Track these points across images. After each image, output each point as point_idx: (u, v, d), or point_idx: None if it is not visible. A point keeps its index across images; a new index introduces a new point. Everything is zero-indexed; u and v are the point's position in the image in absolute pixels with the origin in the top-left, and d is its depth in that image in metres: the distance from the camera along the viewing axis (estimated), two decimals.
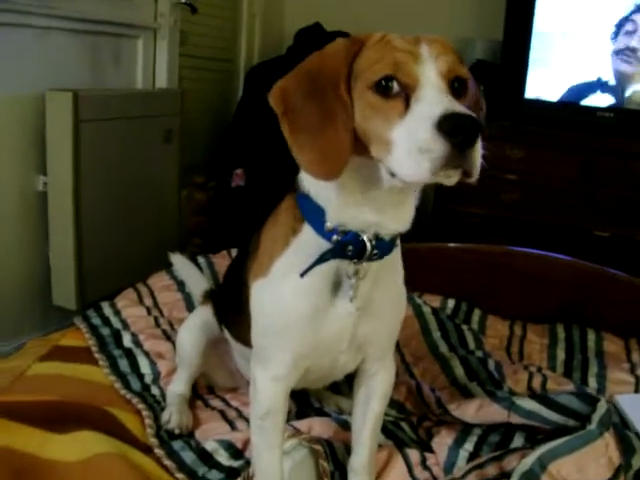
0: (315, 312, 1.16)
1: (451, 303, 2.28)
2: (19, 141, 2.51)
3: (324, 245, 1.11)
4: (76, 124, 2.50)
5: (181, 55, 3.38)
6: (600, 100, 3.34)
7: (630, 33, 3.21)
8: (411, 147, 0.91)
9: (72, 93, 2.48)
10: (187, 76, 3.50)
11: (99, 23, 2.78)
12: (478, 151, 0.91)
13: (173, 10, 3.21)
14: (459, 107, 0.91)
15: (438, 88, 0.95)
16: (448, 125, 0.88)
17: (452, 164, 0.90)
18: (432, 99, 0.93)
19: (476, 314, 2.27)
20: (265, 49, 4.17)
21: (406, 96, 0.95)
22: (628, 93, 3.29)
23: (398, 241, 1.20)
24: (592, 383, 1.91)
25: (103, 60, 2.88)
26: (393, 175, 0.97)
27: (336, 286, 1.16)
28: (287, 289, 1.16)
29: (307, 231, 1.13)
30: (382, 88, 0.97)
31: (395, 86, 0.96)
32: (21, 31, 2.42)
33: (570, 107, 3.41)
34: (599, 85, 3.33)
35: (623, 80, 3.28)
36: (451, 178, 0.93)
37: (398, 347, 1.90)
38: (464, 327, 2.07)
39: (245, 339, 1.37)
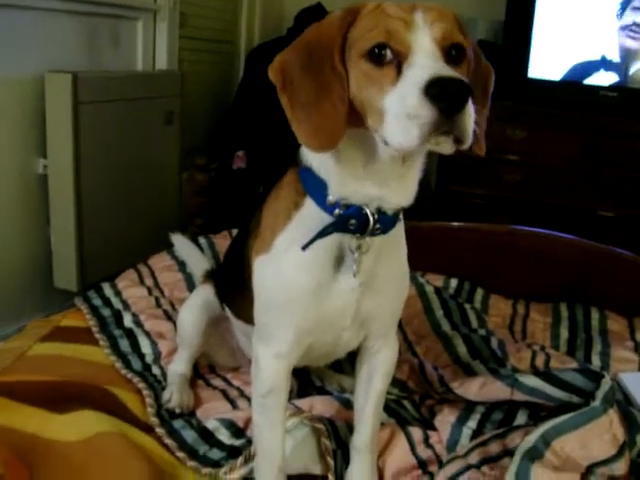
0: (318, 287, 1.15)
1: (454, 282, 2.27)
2: (19, 124, 2.51)
3: (326, 219, 1.10)
4: (76, 106, 2.49)
5: (181, 37, 3.36)
6: (603, 79, 3.32)
7: (638, 9, 3.18)
8: (400, 113, 0.90)
9: (71, 75, 2.47)
10: (187, 58, 3.49)
11: (98, 4, 2.76)
12: (469, 116, 0.89)
13: None
14: (448, 71, 0.90)
15: (430, 54, 0.93)
16: (435, 90, 0.87)
17: (441, 129, 0.89)
18: (422, 65, 0.91)
19: (479, 293, 2.26)
20: (266, 30, 4.15)
21: (398, 63, 0.94)
22: (632, 71, 3.26)
23: (401, 216, 1.19)
24: (596, 361, 1.90)
25: (102, 42, 2.87)
26: (386, 144, 0.95)
27: (339, 261, 1.14)
28: (289, 264, 1.14)
29: (309, 205, 1.12)
30: (375, 56, 0.95)
31: (388, 54, 0.94)
32: (20, 13, 2.41)
33: (573, 86, 3.39)
34: (603, 63, 3.30)
35: (628, 57, 3.26)
36: (442, 145, 0.91)
37: (400, 326, 1.89)
38: (467, 306, 2.06)
39: (247, 316, 1.36)
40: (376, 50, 0.95)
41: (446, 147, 0.92)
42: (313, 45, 1.01)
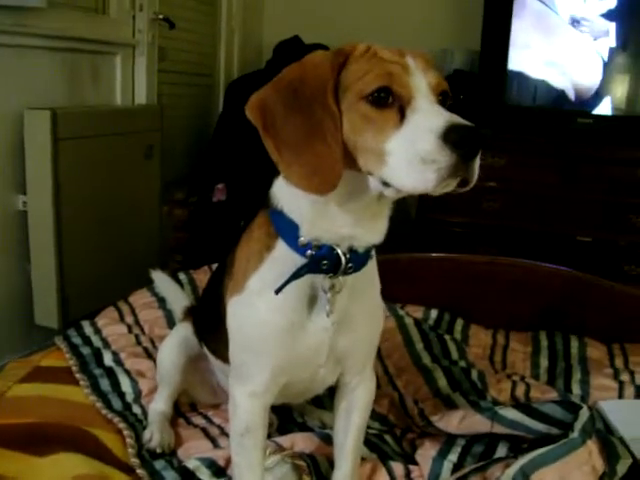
0: (291, 327, 1.15)
1: (434, 313, 2.27)
2: None
3: (299, 260, 1.11)
4: (55, 142, 2.50)
5: (160, 71, 3.38)
6: (579, 105, 3.36)
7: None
8: (412, 158, 0.92)
9: (50, 111, 2.48)
10: (166, 92, 3.51)
11: (77, 40, 2.78)
12: (478, 161, 0.93)
13: (151, 26, 3.22)
14: (460, 119, 0.93)
15: (430, 99, 0.97)
16: (455, 136, 0.90)
17: (457, 174, 0.91)
18: (430, 110, 0.95)
19: (459, 324, 2.26)
20: (244, 63, 4.19)
21: (400, 107, 0.96)
22: (606, 99, 3.31)
23: (373, 253, 1.20)
24: (576, 390, 1.90)
25: (81, 77, 2.88)
26: (387, 185, 0.97)
27: (312, 300, 1.16)
28: (262, 305, 1.15)
29: (281, 247, 1.13)
30: (376, 99, 0.97)
31: (388, 97, 0.97)
32: None
33: (549, 113, 3.45)
34: (578, 90, 3.35)
35: (602, 85, 3.30)
36: (448, 187, 0.94)
37: (381, 359, 1.89)
38: (447, 337, 2.07)
39: (224, 356, 1.37)
40: (377, 93, 0.97)
41: (449, 189, 0.95)
42: (298, 84, 1.01)
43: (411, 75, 0.98)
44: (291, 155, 1.00)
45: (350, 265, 1.11)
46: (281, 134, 1.00)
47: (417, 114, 0.94)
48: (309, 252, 1.09)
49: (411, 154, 0.92)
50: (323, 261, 1.09)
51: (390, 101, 0.96)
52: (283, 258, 1.12)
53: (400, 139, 0.94)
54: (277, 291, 1.10)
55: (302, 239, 1.10)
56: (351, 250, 1.11)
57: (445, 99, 1.01)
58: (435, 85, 0.99)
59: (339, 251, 1.09)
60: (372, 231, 1.11)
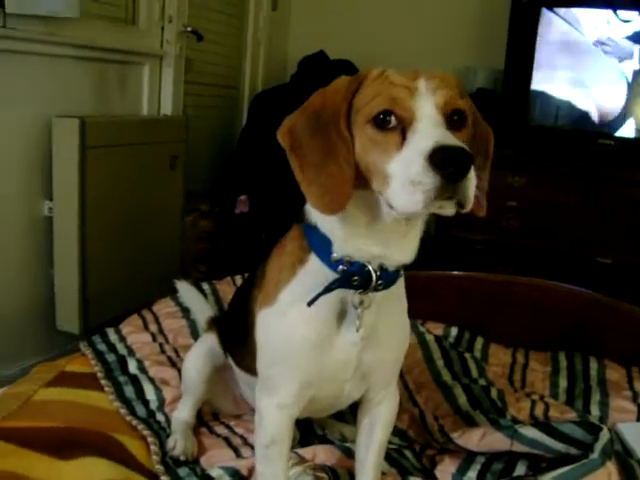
0: (321, 341, 1.17)
1: (454, 331, 2.28)
2: (26, 166, 2.55)
3: (330, 275, 1.13)
4: (82, 150, 2.54)
5: (186, 82, 3.42)
6: (602, 127, 3.37)
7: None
8: (405, 179, 0.94)
9: (79, 120, 2.52)
10: (192, 103, 3.54)
11: (106, 50, 2.82)
12: (471, 181, 0.93)
13: (179, 38, 3.26)
14: (451, 139, 0.94)
15: (433, 121, 0.98)
16: (438, 158, 0.91)
17: (444, 196, 0.93)
18: (425, 132, 0.96)
19: (479, 342, 2.27)
20: (269, 77, 4.22)
21: (403, 129, 0.98)
22: (628, 120, 3.31)
23: (402, 271, 1.22)
24: (594, 411, 1.91)
25: (109, 87, 2.92)
26: (391, 207, 0.99)
27: (341, 315, 1.17)
28: (293, 318, 1.17)
29: (313, 261, 1.15)
30: (380, 122, 1.00)
31: (392, 120, 0.99)
32: (29, 58, 2.47)
33: (572, 134, 3.44)
34: (600, 112, 3.35)
35: (625, 106, 3.31)
36: (445, 209, 0.96)
37: (401, 374, 1.89)
38: (467, 355, 2.08)
39: (249, 367, 1.39)
40: (381, 116, 0.99)
41: (448, 211, 0.96)
42: (319, 110, 1.06)
43: (415, 98, 0.99)
44: (312, 175, 1.04)
45: (380, 282, 1.13)
46: (305, 156, 1.05)
47: (415, 136, 0.96)
48: (341, 267, 1.12)
49: (404, 176, 0.94)
50: (354, 277, 1.11)
51: (394, 124, 0.99)
52: (315, 272, 1.15)
53: (399, 161, 0.96)
54: (310, 303, 1.12)
55: (335, 255, 1.12)
56: (382, 268, 1.13)
57: (461, 118, 1.03)
58: (443, 104, 1.00)
59: (370, 268, 1.12)
60: (402, 251, 1.13)
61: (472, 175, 0.93)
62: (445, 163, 0.91)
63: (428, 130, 0.96)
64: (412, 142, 0.96)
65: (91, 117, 2.64)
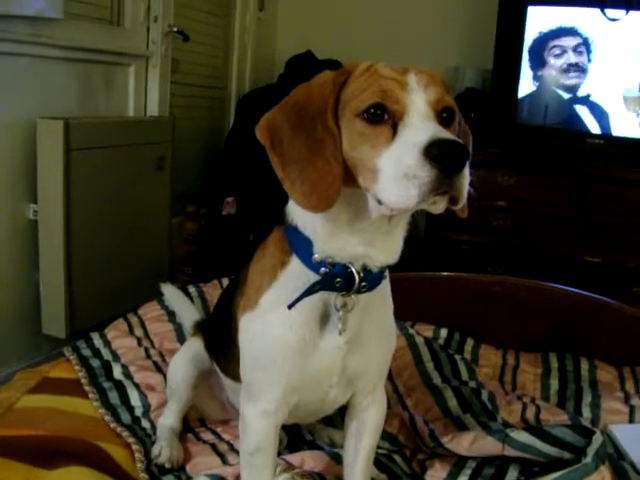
0: (304, 345, 1.15)
1: (444, 332, 2.27)
2: (9, 169, 2.51)
3: (312, 277, 1.11)
4: (67, 152, 2.50)
5: (172, 83, 3.39)
6: (590, 126, 3.36)
7: None
8: (397, 173, 0.92)
9: (63, 121, 2.48)
10: (178, 104, 3.51)
11: (91, 51, 2.79)
12: (465, 177, 0.92)
13: (165, 38, 3.23)
14: (446, 133, 0.92)
15: (426, 115, 0.96)
16: (436, 151, 0.89)
17: (439, 190, 0.91)
18: (419, 125, 0.94)
19: (469, 343, 2.26)
20: (256, 77, 4.19)
21: (394, 123, 0.96)
22: (617, 119, 3.30)
23: (387, 273, 1.20)
24: (586, 413, 1.89)
25: (95, 88, 2.89)
26: (380, 203, 0.97)
27: (324, 319, 1.15)
28: (275, 322, 1.15)
29: (295, 263, 1.13)
30: (370, 115, 0.97)
31: (383, 113, 0.97)
32: (13, 59, 2.44)
33: (560, 133, 3.43)
34: (589, 111, 3.35)
35: (613, 105, 3.31)
36: (437, 205, 0.94)
37: (391, 378, 1.89)
38: (457, 357, 2.06)
39: (234, 373, 1.36)
40: (372, 109, 0.97)
41: (439, 207, 0.94)
42: (303, 104, 1.03)
43: (407, 91, 0.97)
44: (295, 173, 1.01)
45: (364, 284, 1.11)
46: (286, 152, 1.02)
47: (407, 130, 0.94)
48: (323, 269, 1.10)
49: (397, 170, 0.92)
50: (337, 279, 1.09)
51: (385, 118, 0.97)
52: (297, 275, 1.12)
53: (389, 155, 0.94)
54: (290, 306, 1.10)
55: (316, 256, 1.10)
56: (365, 269, 1.10)
57: (450, 116, 1.02)
58: (435, 101, 0.98)
59: (353, 269, 1.09)
60: (385, 251, 1.11)
61: (467, 171, 0.92)
62: (442, 156, 0.89)
63: (422, 124, 0.94)
64: (405, 135, 0.94)
65: (76, 118, 2.61)
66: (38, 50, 2.52)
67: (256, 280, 1.20)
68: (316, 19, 4.22)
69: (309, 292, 1.10)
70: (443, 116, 1.00)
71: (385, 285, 1.22)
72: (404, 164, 0.91)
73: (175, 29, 3.26)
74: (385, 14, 4.04)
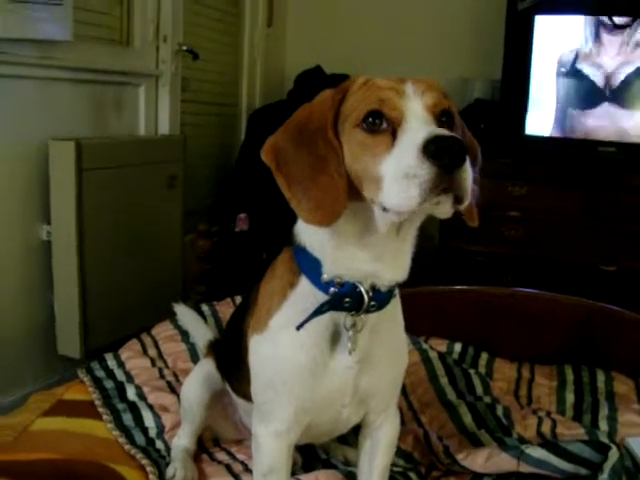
0: (314, 365, 1.15)
1: (458, 347, 2.26)
2: (23, 190, 2.54)
3: (321, 297, 1.11)
4: (79, 173, 2.52)
5: (183, 101, 3.41)
6: (601, 134, 3.34)
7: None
8: (398, 175, 0.92)
9: (75, 142, 2.51)
10: (189, 122, 3.53)
11: (101, 72, 2.82)
12: (467, 172, 0.92)
13: (174, 57, 3.25)
14: (443, 131, 0.93)
15: (424, 119, 0.97)
16: (433, 147, 0.89)
17: (440, 187, 0.90)
18: (417, 128, 0.94)
19: (483, 357, 2.24)
20: (266, 93, 4.21)
21: (393, 130, 0.96)
22: (629, 126, 3.29)
23: (397, 291, 1.20)
24: (603, 426, 1.87)
25: (105, 108, 2.91)
26: (385, 210, 0.97)
27: (334, 338, 1.15)
28: (285, 343, 1.15)
29: (304, 284, 1.13)
30: (369, 125, 0.98)
31: (381, 122, 0.97)
32: (24, 82, 2.46)
33: (571, 142, 3.42)
34: (600, 119, 3.33)
35: (625, 112, 3.29)
36: (442, 205, 0.93)
37: (405, 394, 1.88)
38: (471, 371, 2.05)
39: (245, 394, 1.36)
40: (370, 118, 0.98)
41: (445, 207, 0.94)
42: (304, 123, 1.04)
43: (404, 98, 0.98)
44: (301, 191, 1.02)
45: (373, 303, 1.11)
46: (291, 172, 1.03)
47: (406, 134, 0.95)
48: (332, 289, 1.10)
49: (397, 171, 0.92)
50: (345, 298, 1.09)
51: (384, 126, 0.97)
52: (306, 295, 1.13)
53: (391, 160, 0.94)
54: (299, 327, 1.10)
55: (325, 276, 1.10)
56: (374, 288, 1.10)
57: (449, 119, 1.02)
58: (432, 105, 0.99)
59: (362, 289, 1.09)
60: (394, 267, 1.11)
61: (468, 167, 0.92)
62: (440, 152, 0.89)
63: (419, 126, 0.95)
64: (404, 139, 0.94)
65: (87, 139, 2.63)
66: (48, 72, 2.55)
67: (266, 301, 1.20)
68: (324, 34, 4.23)
69: (318, 312, 1.10)
70: (442, 120, 1.01)
71: (395, 303, 1.22)
72: (404, 165, 0.91)
73: (184, 48, 3.29)
74: (393, 27, 4.05)
